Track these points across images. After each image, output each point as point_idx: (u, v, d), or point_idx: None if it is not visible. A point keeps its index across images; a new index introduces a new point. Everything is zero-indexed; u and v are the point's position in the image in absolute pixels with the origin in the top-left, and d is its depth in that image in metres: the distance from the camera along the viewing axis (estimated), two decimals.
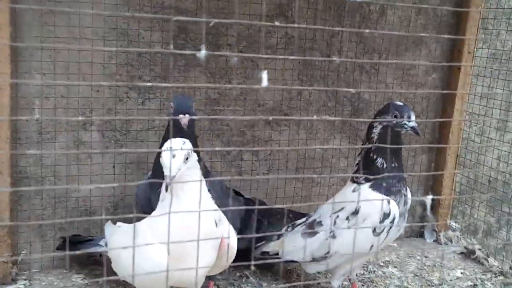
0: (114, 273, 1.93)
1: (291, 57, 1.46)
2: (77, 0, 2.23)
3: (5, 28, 2.08)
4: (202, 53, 1.09)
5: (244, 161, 2.73)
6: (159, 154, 2.16)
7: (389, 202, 2.08)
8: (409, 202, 2.21)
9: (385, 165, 2.11)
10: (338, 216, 2.17)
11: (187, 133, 1.95)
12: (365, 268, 2.72)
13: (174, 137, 1.69)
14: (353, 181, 2.22)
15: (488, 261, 2.86)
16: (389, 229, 2.11)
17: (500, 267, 2.80)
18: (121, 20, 2.35)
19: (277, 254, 2.36)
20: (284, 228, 2.43)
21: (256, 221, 2.44)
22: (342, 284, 2.36)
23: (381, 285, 2.58)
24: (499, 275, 2.75)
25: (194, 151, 1.81)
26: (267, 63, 2.64)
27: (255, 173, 2.76)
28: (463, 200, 3.17)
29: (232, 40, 2.56)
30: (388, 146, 2.04)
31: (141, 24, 2.38)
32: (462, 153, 3.13)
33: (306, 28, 2.62)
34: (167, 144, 1.69)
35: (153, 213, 1.80)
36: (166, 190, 1.66)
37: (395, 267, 2.79)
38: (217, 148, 2.48)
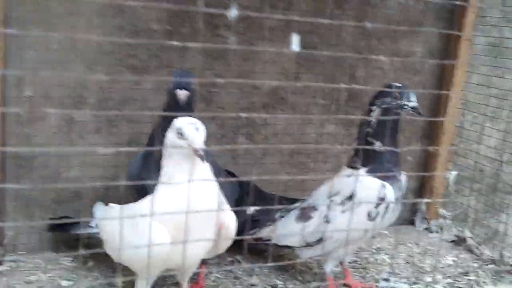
0: (103, 255, 1.89)
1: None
2: None
3: None
4: (233, 12, 1.03)
5: (239, 144, 2.70)
6: (152, 135, 2.13)
7: (384, 187, 2.07)
8: (404, 187, 2.20)
9: (383, 149, 2.09)
10: (332, 201, 2.16)
11: (187, 109, 1.90)
12: (357, 255, 2.71)
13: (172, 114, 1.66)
14: (349, 166, 2.21)
15: (479, 249, 2.87)
16: (383, 214, 2.10)
17: (491, 255, 2.82)
18: None
19: (270, 239, 2.34)
20: (279, 214, 2.41)
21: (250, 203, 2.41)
22: (334, 270, 2.36)
23: (373, 271, 2.58)
24: (490, 263, 2.77)
25: None
26: (264, 45, 2.60)
27: (250, 157, 2.73)
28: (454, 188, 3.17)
29: (229, 20, 2.51)
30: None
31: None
32: (456, 142, 3.13)
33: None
34: (184, 120, 1.64)
35: (154, 194, 1.75)
36: (203, 160, 1.60)
37: (387, 254, 2.79)
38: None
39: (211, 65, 2.52)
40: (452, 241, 3.00)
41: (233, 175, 2.48)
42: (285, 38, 2.61)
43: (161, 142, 1.72)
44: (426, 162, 3.16)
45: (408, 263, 2.73)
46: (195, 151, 1.59)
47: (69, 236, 2.38)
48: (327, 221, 2.17)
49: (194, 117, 1.71)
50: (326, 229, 2.15)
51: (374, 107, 2.13)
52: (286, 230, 2.28)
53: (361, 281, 2.46)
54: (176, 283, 2.09)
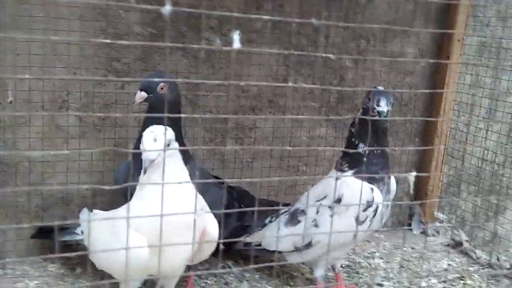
0: (91, 262, 1.87)
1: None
2: None
3: None
4: (167, 8, 1.00)
5: (227, 149, 2.67)
6: (139, 141, 2.10)
7: (372, 190, 2.03)
8: (394, 190, 2.16)
9: (367, 151, 2.05)
10: (320, 205, 2.12)
11: (161, 111, 1.84)
12: (350, 260, 2.66)
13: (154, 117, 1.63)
14: (337, 169, 2.16)
15: (475, 253, 2.82)
16: (372, 218, 2.05)
17: (487, 258, 2.76)
18: None
19: (260, 244, 2.30)
20: (268, 218, 2.37)
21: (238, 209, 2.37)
22: (326, 275, 2.31)
23: (366, 276, 2.53)
24: (486, 267, 2.71)
25: (177, 134, 1.76)
26: (253, 47, 2.57)
27: (238, 161, 2.69)
28: (450, 191, 3.12)
29: (214, 22, 2.48)
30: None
31: (120, 3, 2.30)
32: (450, 143, 3.09)
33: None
34: (148, 129, 1.64)
35: (130, 202, 1.73)
36: (144, 173, 1.60)
37: (381, 258, 2.74)
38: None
39: (196, 68, 2.49)
40: (448, 245, 2.95)
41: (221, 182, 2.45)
42: (273, 40, 2.60)
43: None
44: (421, 164, 3.11)
45: (403, 267, 2.68)
46: (143, 161, 1.58)
47: (56, 243, 2.35)
48: (315, 225, 2.13)
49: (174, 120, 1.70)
50: (315, 233, 2.10)
51: (358, 108, 2.11)
52: (275, 234, 2.24)
53: (354, 286, 2.41)
54: None
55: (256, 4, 2.53)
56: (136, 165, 1.99)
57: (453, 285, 2.51)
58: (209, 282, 2.35)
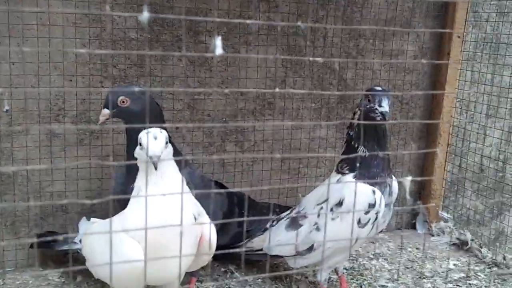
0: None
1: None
2: None
3: None
4: (145, 15, 0.97)
5: (228, 152, 2.64)
6: (128, 154, 2.06)
7: (374, 193, 2.00)
8: (395, 192, 2.12)
9: (367, 154, 2.02)
10: (322, 208, 2.09)
11: (143, 122, 1.80)
12: (354, 261, 2.63)
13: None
14: (338, 172, 2.13)
15: (481, 252, 2.78)
16: (374, 221, 2.02)
17: (493, 257, 2.72)
18: (93, 5, 2.24)
19: (262, 249, 2.28)
20: (269, 223, 2.34)
21: (239, 215, 2.34)
22: (330, 277, 2.28)
23: (370, 278, 2.50)
24: (492, 266, 2.67)
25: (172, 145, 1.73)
26: (250, 49, 2.54)
27: (238, 165, 2.66)
28: (454, 189, 3.08)
29: (212, 25, 2.45)
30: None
31: (114, 9, 2.28)
32: (453, 141, 3.04)
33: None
34: (144, 131, 1.60)
35: (125, 210, 1.70)
36: (155, 169, 1.56)
37: (386, 259, 2.71)
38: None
39: (194, 72, 2.46)
40: (454, 244, 2.91)
41: (221, 186, 2.42)
42: (270, 42, 2.57)
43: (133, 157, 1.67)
44: (424, 164, 3.07)
45: (408, 268, 2.64)
46: (150, 158, 1.53)
47: (56, 252, 2.33)
48: (317, 228, 2.10)
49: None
50: (317, 237, 2.08)
51: (356, 110, 2.08)
52: (276, 239, 2.21)
53: None
54: None
55: (252, 6, 2.49)
56: (132, 176, 1.97)
57: (458, 286, 2.47)
58: (211, 287, 2.33)
